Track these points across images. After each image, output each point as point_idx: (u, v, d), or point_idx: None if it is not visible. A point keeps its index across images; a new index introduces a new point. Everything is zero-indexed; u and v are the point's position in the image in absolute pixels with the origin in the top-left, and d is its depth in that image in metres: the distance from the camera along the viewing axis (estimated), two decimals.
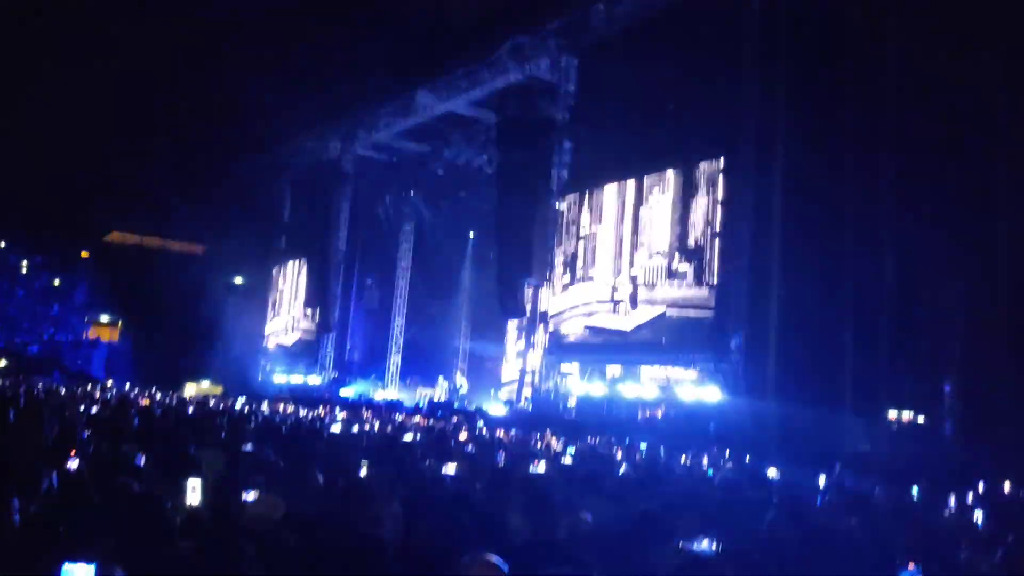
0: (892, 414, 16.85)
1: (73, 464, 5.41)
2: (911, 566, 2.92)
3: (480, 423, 17.04)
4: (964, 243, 16.33)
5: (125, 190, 30.02)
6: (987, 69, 15.55)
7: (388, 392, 27.04)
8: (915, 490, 8.50)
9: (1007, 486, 10.49)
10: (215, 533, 4.60)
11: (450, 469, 7.15)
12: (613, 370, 21.09)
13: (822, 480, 8.78)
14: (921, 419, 17.00)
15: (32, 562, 2.56)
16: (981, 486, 10.03)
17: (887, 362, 16.39)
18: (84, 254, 36.68)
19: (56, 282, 36.65)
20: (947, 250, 16.25)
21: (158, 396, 17.54)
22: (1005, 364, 16.07)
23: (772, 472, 9.41)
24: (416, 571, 3.85)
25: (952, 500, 7.90)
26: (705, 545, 3.37)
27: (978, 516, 6.15)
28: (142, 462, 6.49)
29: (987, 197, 16.19)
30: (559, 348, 21.85)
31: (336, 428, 12.09)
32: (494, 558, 2.89)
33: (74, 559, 2.35)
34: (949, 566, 4.06)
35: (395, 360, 29.07)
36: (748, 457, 11.89)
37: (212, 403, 16.63)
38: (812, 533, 4.51)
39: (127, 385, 21.63)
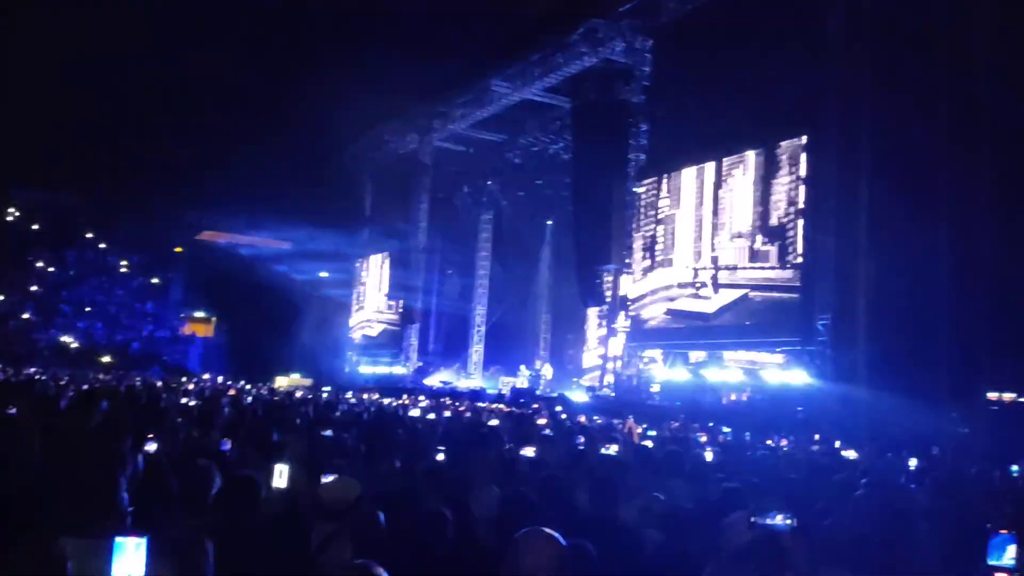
0: (992, 396, 16.14)
1: (151, 447, 5.60)
2: (1004, 532, 2.77)
3: (560, 409, 17.01)
4: None
5: (215, 190, 31.01)
6: None
7: (471, 381, 27.26)
8: (1014, 468, 8.11)
9: None
10: (291, 511, 4.71)
11: (529, 452, 7.16)
12: (696, 355, 20.75)
13: (913, 463, 8.45)
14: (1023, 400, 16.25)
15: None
16: None
17: (985, 342, 15.69)
18: (178, 250, 38.02)
19: (153, 280, 38.15)
20: None
21: (248, 387, 18.10)
22: None
23: (859, 455, 9.12)
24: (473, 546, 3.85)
25: None
26: (779, 520, 3.25)
27: None
28: (227, 447, 6.69)
29: None
30: (641, 334, 21.64)
31: (416, 414, 12.26)
32: (551, 532, 2.86)
33: (126, 533, 2.41)
34: None
35: (477, 349, 29.30)
36: (838, 442, 11.54)
37: (299, 394, 17.06)
38: (898, 513, 4.34)
39: (220, 378, 22.41)
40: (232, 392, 15.12)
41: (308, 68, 26.09)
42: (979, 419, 14.87)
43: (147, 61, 28.29)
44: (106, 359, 33.03)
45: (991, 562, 2.73)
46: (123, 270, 38.09)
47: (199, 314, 38.17)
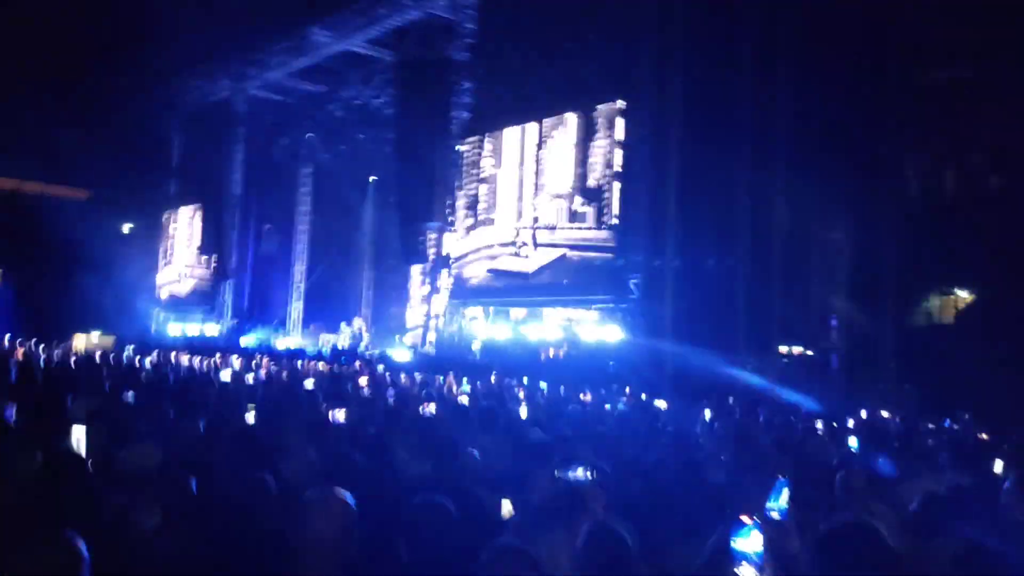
0: (783, 348, 17.58)
1: None
2: (781, 478, 3.03)
3: (382, 368, 16.93)
4: (853, 187, 16.99)
5: (2, 130, 28.19)
6: (889, 15, 16.02)
7: (290, 340, 26.58)
8: (793, 417, 8.87)
9: (884, 414, 11.07)
10: (87, 480, 4.43)
11: (340, 415, 7.05)
12: (517, 313, 21.22)
13: (708, 413, 9.07)
14: (810, 353, 17.81)
15: None
16: (864, 413, 10.56)
17: (777, 300, 17.03)
18: None
19: None
20: (837, 194, 16.88)
21: (41, 348, 16.75)
22: (888, 301, 16.93)
23: (663, 405, 9.67)
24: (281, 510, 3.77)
25: (820, 425, 8.27)
26: (580, 473, 3.40)
27: (853, 441, 6.45)
28: (12, 414, 6.18)
29: (871, 143, 16.84)
30: (463, 292, 21.84)
31: (227, 376, 11.81)
32: (341, 492, 2.84)
33: None
34: (823, 484, 4.24)
35: (297, 307, 28.56)
36: (644, 394, 12.18)
37: (99, 355, 15.98)
38: (693, 462, 4.65)
39: (7, 337, 20.54)
40: (20, 352, 13.95)
41: (113, 3, 24.07)
42: (771, 370, 16.16)
43: None
44: None
45: (768, 504, 2.98)
46: None
47: None
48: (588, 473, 3.38)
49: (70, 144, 27.70)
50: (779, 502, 2.95)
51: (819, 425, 8.26)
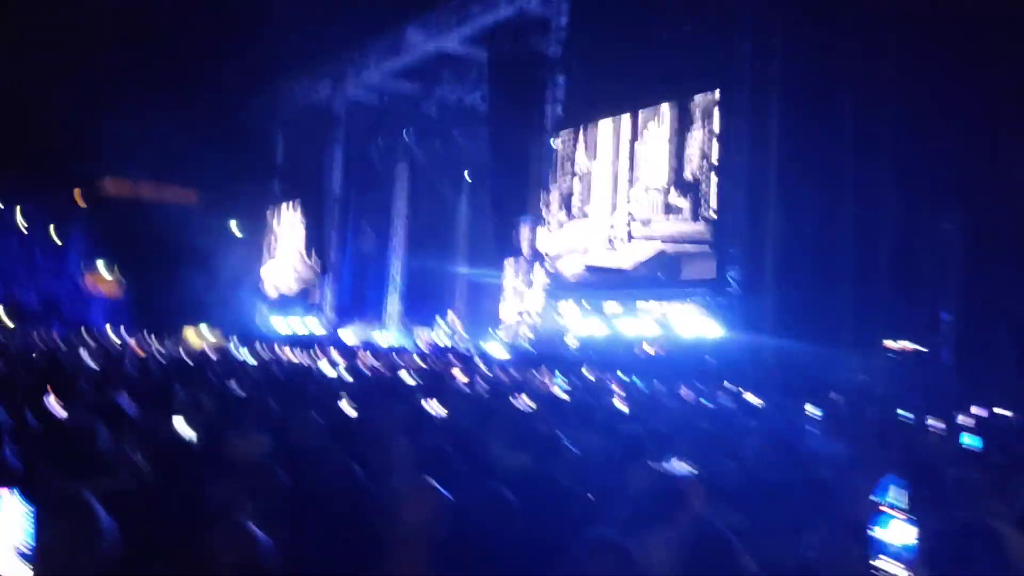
0: (890, 343, 16.89)
1: (51, 403, 5.38)
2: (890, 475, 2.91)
3: (479, 363, 17.06)
4: (965, 173, 16.18)
5: (117, 137, 29.64)
6: None
7: (387, 335, 27.09)
8: (901, 412, 8.51)
9: (998, 412, 10.52)
10: (200, 467, 4.59)
11: (440, 409, 7.15)
12: (613, 308, 21.02)
13: (811, 409, 8.79)
14: (920, 349, 17.06)
15: None
16: (974, 410, 10.05)
17: (885, 293, 16.37)
18: (78, 197, 36.17)
19: (52, 233, 36.42)
20: (947, 180, 16.10)
21: (153, 343, 17.56)
22: (1003, 293, 16.06)
23: (761, 402, 9.42)
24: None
25: (942, 424, 7.91)
26: (679, 466, 3.33)
27: (968, 439, 6.14)
28: (126, 403, 6.47)
29: (988, 124, 15.98)
30: (557, 286, 21.79)
31: (330, 371, 12.11)
32: (431, 481, 2.85)
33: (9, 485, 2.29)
34: (937, 483, 4.03)
35: (393, 303, 29.07)
36: (743, 390, 11.90)
37: (207, 348, 16.64)
38: (796, 458, 4.50)
39: (123, 333, 21.65)
40: (138, 350, 14.65)
41: (216, 11, 24.99)
42: (876, 366, 15.56)
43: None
44: (5, 320, 31.59)
45: (875, 498, 2.85)
46: (17, 221, 36.21)
47: (102, 267, 36.70)
48: (688, 466, 3.31)
49: (179, 147, 28.93)
50: (889, 498, 2.82)
51: (931, 422, 7.90)
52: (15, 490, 2.26)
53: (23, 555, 2.26)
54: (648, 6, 18.80)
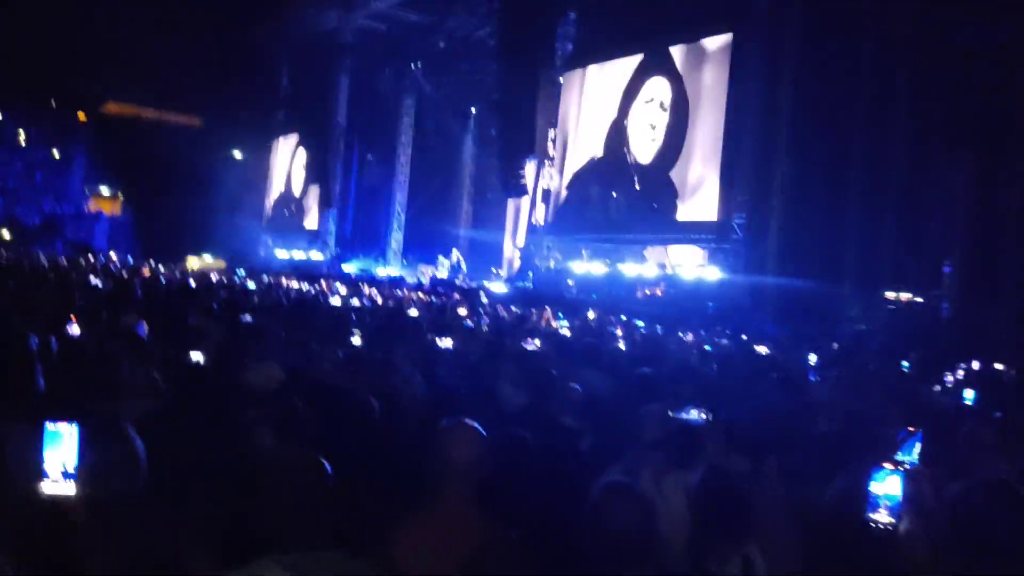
0: (891, 294, 16.97)
1: (74, 330, 5.45)
2: (911, 430, 2.96)
3: (482, 298, 17.16)
4: (971, 127, 16.05)
5: (121, 59, 29.21)
6: None
7: (390, 269, 27.15)
8: (905, 364, 8.62)
9: (997, 366, 10.63)
10: (217, 392, 4.67)
11: (447, 343, 7.24)
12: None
13: (813, 358, 8.90)
14: (920, 300, 17.13)
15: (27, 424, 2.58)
16: (976, 364, 10.16)
17: (888, 243, 16.39)
18: (81, 116, 35.77)
19: (55, 153, 36.16)
20: (953, 133, 15.99)
21: (161, 269, 17.61)
22: (1006, 248, 16.07)
23: (764, 349, 9.53)
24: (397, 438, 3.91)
25: (945, 377, 8.02)
26: (694, 415, 3.41)
27: (969, 393, 6.24)
28: (143, 331, 6.56)
29: (999, 82, 15.81)
30: (561, 226, 21.79)
31: (336, 301, 12.20)
32: (472, 424, 2.92)
33: (56, 419, 2.36)
34: (950, 436, 4.11)
35: (396, 237, 29.05)
36: (745, 335, 12.01)
37: (215, 278, 16.71)
38: (805, 404, 4.60)
39: (128, 257, 21.67)
40: (147, 272, 14.70)
41: None
42: (877, 316, 15.66)
43: None
44: (4, 234, 31.57)
45: (900, 457, 2.91)
46: (21, 141, 35.93)
47: (105, 190, 36.55)
48: (702, 414, 3.39)
49: (184, 72, 28.55)
50: (910, 454, 2.89)
51: (948, 378, 8.00)
52: (74, 423, 2.34)
53: (68, 475, 2.35)
54: None
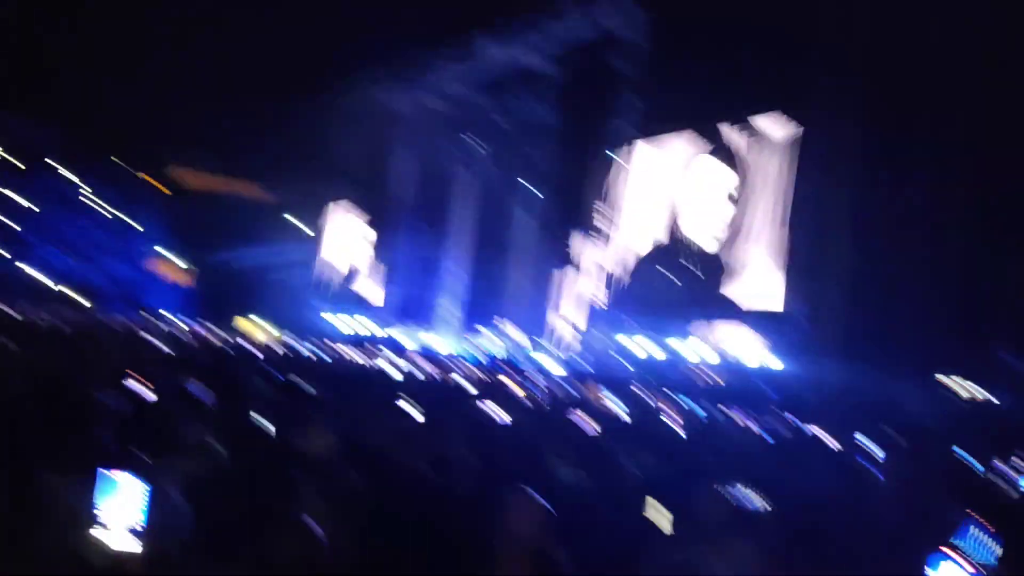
0: (961, 387, 16.47)
1: (139, 389, 5.59)
2: (969, 514, 2.87)
3: (536, 375, 17.08)
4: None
5: (191, 126, 30.48)
6: None
7: (439, 339, 27.26)
8: (966, 455, 8.31)
9: None
10: (273, 459, 4.72)
11: (503, 415, 7.25)
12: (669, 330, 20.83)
13: (879, 448, 8.63)
14: (981, 391, 16.62)
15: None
16: None
17: (955, 337, 15.99)
18: (148, 179, 37.10)
19: (124, 217, 37.48)
20: (1007, 219, 15.71)
21: (221, 333, 18.00)
22: None
23: (829, 438, 9.28)
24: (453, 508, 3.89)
25: (1009, 471, 7.72)
26: (751, 498, 3.34)
27: None
28: (200, 391, 6.67)
29: None
30: (616, 302, 21.74)
31: (392, 371, 12.29)
32: (535, 495, 2.92)
33: (109, 466, 2.42)
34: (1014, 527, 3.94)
35: (447, 307, 29.22)
36: (809, 424, 11.72)
37: (272, 343, 17.01)
38: (863, 495, 4.46)
39: (193, 321, 22.23)
40: (210, 339, 15.03)
41: (294, 9, 25.61)
42: (944, 409, 15.17)
43: None
44: (81, 299, 32.68)
45: (955, 542, 2.80)
46: (94, 205, 37.36)
47: (171, 255, 37.72)
48: (759, 499, 3.32)
49: (248, 140, 29.62)
50: (967, 542, 2.79)
51: (996, 469, 7.72)
52: (132, 472, 2.40)
53: (135, 532, 2.40)
54: (724, 27, 18.73)
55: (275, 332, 26.67)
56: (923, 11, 15.59)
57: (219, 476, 4.11)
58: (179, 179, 36.30)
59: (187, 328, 19.53)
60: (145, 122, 30.70)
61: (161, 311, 29.49)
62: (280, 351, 14.93)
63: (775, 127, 18.21)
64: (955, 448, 9.75)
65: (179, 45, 28.41)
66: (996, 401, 15.85)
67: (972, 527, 2.97)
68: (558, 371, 19.74)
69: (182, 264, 37.37)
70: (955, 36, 15.52)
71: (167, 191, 36.56)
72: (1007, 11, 14.82)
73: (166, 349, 10.81)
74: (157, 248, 37.47)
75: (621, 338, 21.03)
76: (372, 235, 30.60)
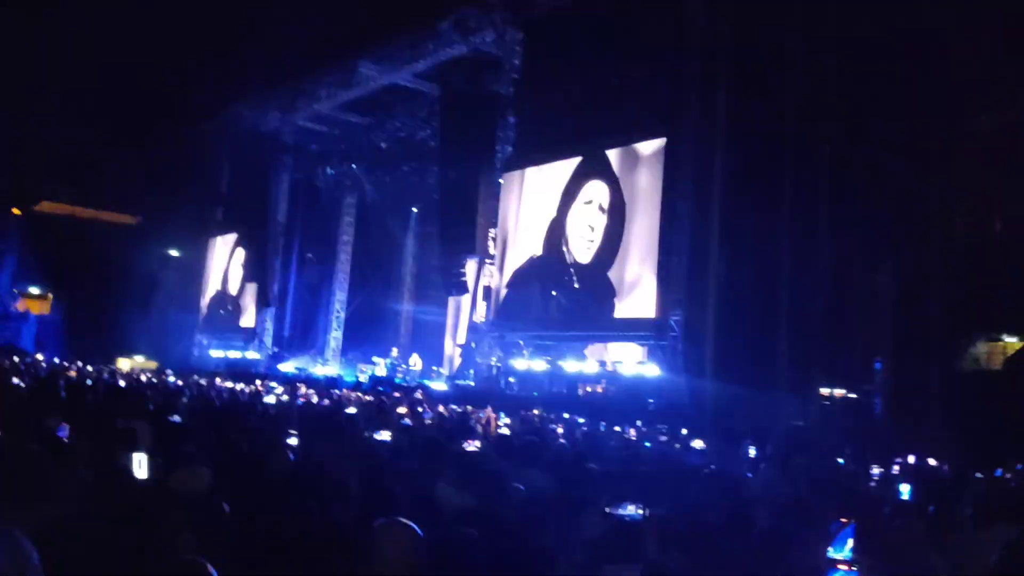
0: (825, 391, 17.30)
1: None
2: (843, 522, 2.96)
3: (420, 397, 16.96)
4: (896, 228, 16.83)
5: (56, 158, 29.00)
6: (930, 63, 15.96)
7: (328, 368, 26.77)
8: (840, 460, 8.72)
9: (931, 461, 10.83)
10: (142, 497, 4.50)
11: (385, 436, 7.14)
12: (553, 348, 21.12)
13: (751, 452, 8.96)
14: (853, 396, 17.50)
15: None
16: (911, 459, 10.33)
17: (820, 342, 16.79)
18: (16, 211, 34.99)
19: None
20: (883, 236, 16.71)
21: (88, 369, 17.08)
22: (934, 344, 16.64)
23: (701, 444, 9.57)
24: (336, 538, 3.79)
25: (877, 471, 8.13)
26: (632, 511, 3.39)
27: (904, 488, 6.32)
28: (65, 433, 6.30)
29: (916, 186, 16.70)
30: (501, 324, 21.83)
31: (271, 400, 11.94)
32: (408, 523, 2.86)
33: None
34: (880, 529, 4.14)
35: (336, 335, 28.77)
36: (684, 431, 12.05)
37: (144, 378, 16.25)
38: (739, 500, 4.60)
39: (56, 359, 21.01)
40: (72, 373, 14.24)
41: (166, 36, 24.77)
42: (812, 412, 15.90)
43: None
44: None
45: (833, 554, 2.88)
46: None
47: (34, 290, 35.59)
48: (640, 510, 3.37)
49: (121, 171, 28.41)
50: (844, 550, 2.88)
51: (874, 471, 8.11)
52: None
53: None
54: (599, 51, 19.25)
55: (153, 367, 25.55)
56: (782, 22, 16.50)
57: (78, 519, 3.87)
58: (48, 210, 34.40)
59: (51, 366, 18.45)
60: (9, 149, 28.95)
61: (24, 349, 27.78)
62: (155, 385, 14.29)
63: (649, 146, 18.76)
64: (828, 453, 10.25)
65: (51, 73, 27.02)
66: (862, 401, 16.74)
67: (848, 535, 3.06)
68: (445, 391, 19.69)
69: (50, 300, 35.34)
70: (815, 47, 16.46)
71: (35, 222, 34.52)
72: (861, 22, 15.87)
73: (23, 387, 10.17)
74: (23, 284, 35.33)
75: (509, 358, 21.15)
76: (257, 265, 29.74)
